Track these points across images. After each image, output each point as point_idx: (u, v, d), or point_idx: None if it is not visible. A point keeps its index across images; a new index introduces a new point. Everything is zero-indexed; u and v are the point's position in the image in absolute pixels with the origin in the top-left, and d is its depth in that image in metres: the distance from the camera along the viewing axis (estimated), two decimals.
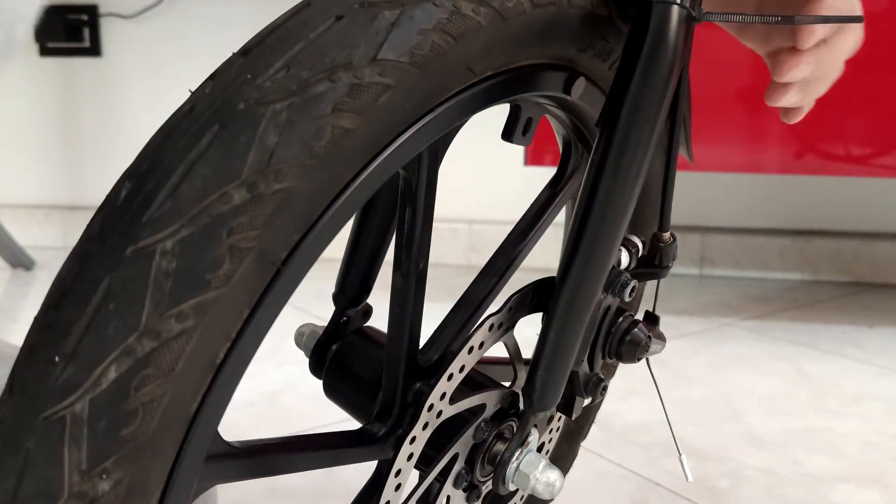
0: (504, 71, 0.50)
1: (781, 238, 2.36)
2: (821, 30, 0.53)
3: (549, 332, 0.54)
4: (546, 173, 0.75)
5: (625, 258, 0.59)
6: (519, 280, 0.62)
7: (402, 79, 0.42)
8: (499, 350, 0.60)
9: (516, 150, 2.00)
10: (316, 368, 0.68)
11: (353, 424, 0.61)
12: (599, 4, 0.54)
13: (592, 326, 0.58)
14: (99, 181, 2.53)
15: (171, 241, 0.36)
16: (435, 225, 0.56)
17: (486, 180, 2.39)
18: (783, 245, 2.35)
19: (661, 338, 0.65)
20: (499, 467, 0.58)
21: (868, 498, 1.09)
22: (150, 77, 2.46)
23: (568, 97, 0.58)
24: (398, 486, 0.56)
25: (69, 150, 2.58)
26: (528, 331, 0.59)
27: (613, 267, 0.56)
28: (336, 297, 0.68)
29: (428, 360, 0.60)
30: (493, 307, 0.60)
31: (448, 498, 0.59)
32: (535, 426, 0.59)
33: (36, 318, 0.38)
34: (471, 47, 0.45)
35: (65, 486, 0.34)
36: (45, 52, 2.49)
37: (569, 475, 0.86)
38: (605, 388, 0.62)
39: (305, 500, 1.04)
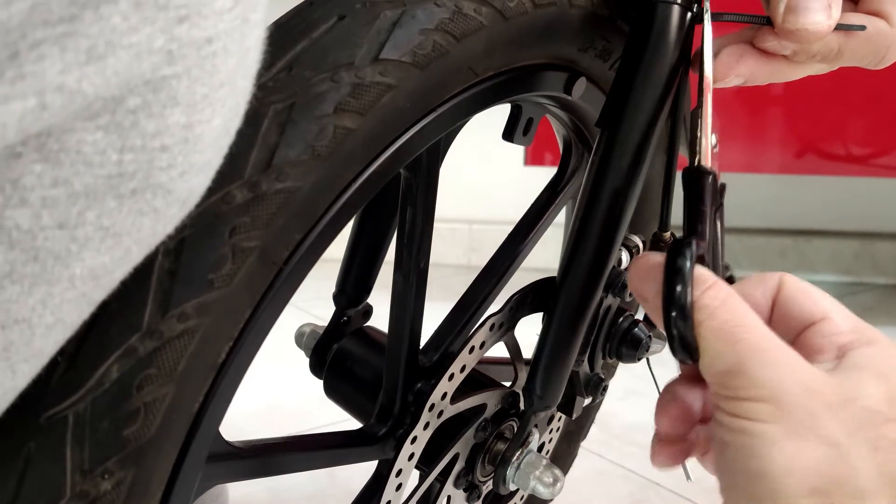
0: (505, 71, 0.50)
1: (781, 238, 2.36)
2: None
3: (549, 332, 0.54)
4: (546, 173, 0.75)
5: (625, 258, 0.59)
6: (519, 280, 0.62)
7: (403, 79, 0.42)
8: (499, 350, 0.60)
9: (516, 150, 2.00)
10: (316, 368, 0.68)
11: (354, 424, 0.61)
12: (600, 4, 0.54)
13: (593, 326, 0.58)
14: None
15: (174, 240, 0.36)
16: (435, 225, 0.56)
17: (486, 180, 2.39)
18: (783, 245, 2.36)
19: (662, 337, 0.65)
20: (499, 467, 0.58)
21: None
22: None
23: (569, 97, 0.58)
24: (399, 486, 0.56)
25: None
26: (529, 331, 0.59)
27: (613, 267, 0.56)
28: (336, 297, 0.68)
29: (429, 360, 0.60)
30: (494, 307, 0.60)
31: (449, 498, 0.59)
32: (536, 426, 0.59)
33: None
34: (472, 47, 0.45)
35: (67, 486, 0.34)
36: None
37: (569, 475, 0.86)
38: (605, 388, 0.62)
39: (305, 501, 1.04)
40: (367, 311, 0.69)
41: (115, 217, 0.28)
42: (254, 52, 0.30)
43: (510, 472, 0.58)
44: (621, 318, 0.60)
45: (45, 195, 0.26)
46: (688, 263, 0.39)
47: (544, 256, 1.09)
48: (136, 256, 0.31)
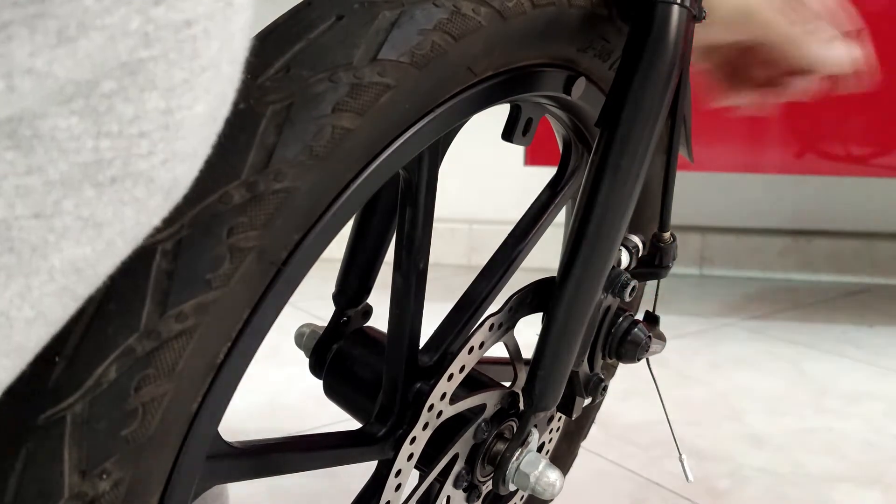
0: (504, 71, 0.50)
1: (781, 238, 2.36)
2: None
3: (549, 332, 0.54)
4: (546, 173, 0.75)
5: (625, 258, 0.59)
6: (519, 280, 0.62)
7: (402, 79, 0.42)
8: (499, 350, 0.60)
9: (516, 150, 2.00)
10: (316, 369, 0.68)
11: (353, 424, 0.61)
12: (600, 4, 0.54)
13: (592, 327, 0.58)
14: None
15: (172, 241, 0.36)
16: (435, 225, 0.56)
17: (486, 180, 2.39)
18: (783, 245, 2.36)
19: (661, 338, 0.65)
20: (499, 467, 0.58)
21: (868, 498, 1.09)
22: None
23: (568, 97, 0.58)
24: (398, 487, 0.56)
25: None
26: (528, 331, 0.59)
27: (613, 267, 0.56)
28: (336, 297, 0.68)
29: (428, 361, 0.60)
30: (493, 307, 0.60)
31: (448, 498, 0.59)
32: (536, 426, 0.59)
33: None
34: (471, 47, 0.45)
35: (65, 487, 0.34)
36: None
37: (569, 475, 0.86)
38: (605, 388, 0.62)
39: (305, 501, 1.04)
40: (367, 312, 0.69)
41: (95, 206, 0.27)
42: (240, 38, 0.30)
43: (510, 472, 0.58)
44: (621, 319, 0.60)
45: (18, 184, 0.25)
46: None
47: (544, 256, 1.09)
48: (122, 250, 0.30)
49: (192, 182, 0.31)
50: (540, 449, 0.67)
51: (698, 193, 2.37)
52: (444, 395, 0.56)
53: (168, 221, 0.36)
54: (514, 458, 0.58)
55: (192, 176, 0.31)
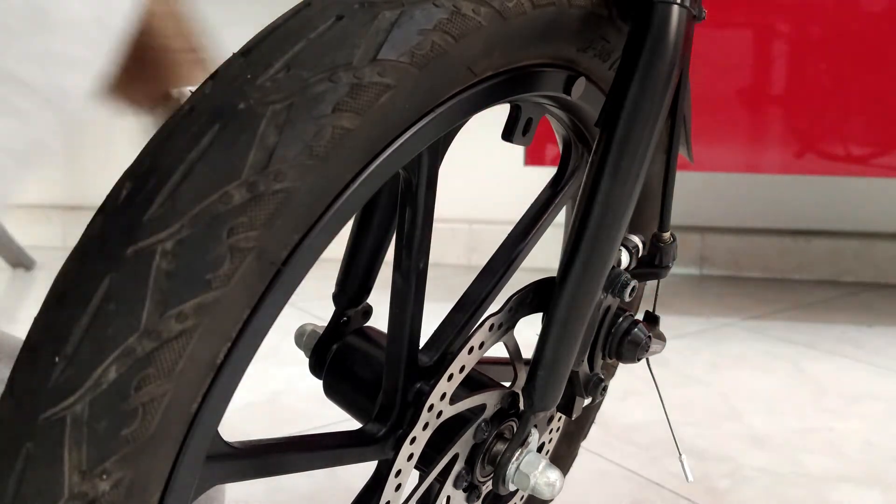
0: (504, 71, 0.50)
1: (781, 238, 2.36)
2: None
3: (549, 332, 0.54)
4: (546, 173, 0.75)
5: (625, 258, 0.59)
6: (519, 280, 0.62)
7: (402, 79, 0.42)
8: (499, 350, 0.60)
9: (516, 150, 2.00)
10: (316, 369, 0.68)
11: (354, 424, 0.61)
12: (600, 4, 0.54)
13: (592, 327, 0.58)
14: (99, 181, 2.52)
15: (172, 241, 0.36)
16: (435, 225, 0.56)
17: (486, 180, 2.39)
18: (783, 245, 2.36)
19: (661, 338, 0.65)
20: (499, 467, 0.58)
21: (868, 498, 1.09)
22: None
23: (568, 97, 0.58)
24: (398, 487, 0.56)
25: (69, 150, 2.58)
26: (528, 331, 0.59)
27: (613, 267, 0.56)
28: (336, 297, 0.68)
29: (428, 361, 0.60)
30: (493, 307, 0.60)
31: (448, 498, 0.59)
32: (536, 426, 0.59)
33: (36, 319, 0.38)
34: (471, 47, 0.45)
35: (65, 487, 0.34)
36: None
37: (569, 475, 0.86)
38: (605, 389, 0.62)
39: (305, 501, 1.04)
40: (367, 311, 0.69)
41: None
42: None
43: (510, 472, 0.58)
44: (621, 319, 0.60)
45: None
46: None
47: (544, 257, 1.09)
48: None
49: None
50: (540, 449, 0.67)
51: (698, 193, 2.37)
52: (444, 395, 0.56)
53: (168, 221, 0.36)
54: (514, 458, 0.58)
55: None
